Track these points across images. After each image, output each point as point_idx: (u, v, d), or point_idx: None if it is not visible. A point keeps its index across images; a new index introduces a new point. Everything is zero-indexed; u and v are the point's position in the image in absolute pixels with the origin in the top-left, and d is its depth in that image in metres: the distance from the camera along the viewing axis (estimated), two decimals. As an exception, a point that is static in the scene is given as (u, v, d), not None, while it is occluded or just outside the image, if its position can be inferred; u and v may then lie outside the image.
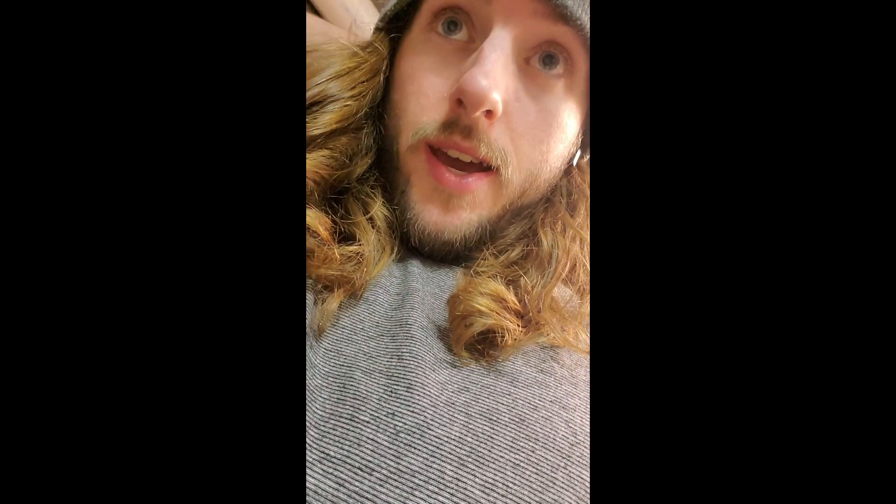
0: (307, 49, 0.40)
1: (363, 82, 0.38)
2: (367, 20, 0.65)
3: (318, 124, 0.36)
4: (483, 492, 0.25)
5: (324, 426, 0.26)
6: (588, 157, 0.44)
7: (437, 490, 0.24)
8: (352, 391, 0.28)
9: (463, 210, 0.36)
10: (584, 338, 0.34)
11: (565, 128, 0.38)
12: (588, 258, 0.37)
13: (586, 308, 0.36)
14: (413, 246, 0.38)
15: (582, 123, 0.40)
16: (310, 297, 0.31)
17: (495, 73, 0.33)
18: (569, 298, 0.36)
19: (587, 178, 0.42)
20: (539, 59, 0.36)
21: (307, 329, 0.30)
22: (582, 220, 0.40)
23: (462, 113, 0.34)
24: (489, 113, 0.33)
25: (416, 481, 0.25)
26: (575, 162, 0.43)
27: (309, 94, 0.37)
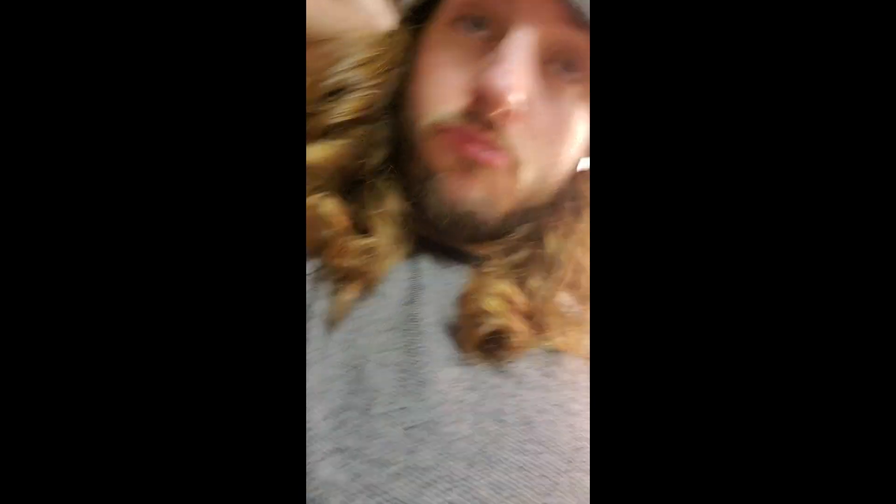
0: (328, 37, 0.39)
1: (383, 73, 0.38)
2: (384, 11, 0.64)
3: (336, 113, 0.35)
4: (491, 492, 0.25)
5: (337, 417, 0.26)
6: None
7: (447, 488, 0.25)
8: (364, 383, 0.28)
9: (479, 182, 0.35)
10: (587, 343, 0.34)
11: (577, 132, 0.38)
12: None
13: (588, 314, 0.36)
14: (427, 220, 0.36)
15: None
16: (324, 287, 0.31)
17: (515, 73, 0.32)
18: (571, 303, 0.37)
19: None
20: (557, 63, 0.36)
21: (320, 319, 0.30)
22: (586, 226, 0.40)
23: (480, 110, 0.34)
24: (506, 112, 0.33)
25: (428, 478, 0.25)
26: (581, 167, 0.43)
27: (328, 82, 0.36)
